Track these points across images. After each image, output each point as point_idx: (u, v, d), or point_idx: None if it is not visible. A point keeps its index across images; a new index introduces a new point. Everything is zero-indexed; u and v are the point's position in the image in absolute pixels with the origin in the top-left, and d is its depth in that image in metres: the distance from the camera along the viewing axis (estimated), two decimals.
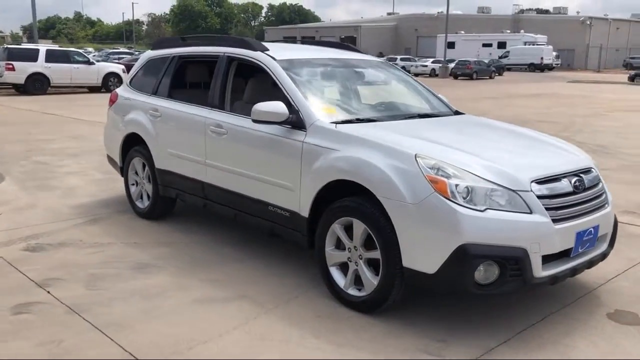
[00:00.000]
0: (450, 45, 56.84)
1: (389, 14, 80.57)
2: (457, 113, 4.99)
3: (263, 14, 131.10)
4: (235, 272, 4.44)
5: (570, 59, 58.02)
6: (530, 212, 3.33)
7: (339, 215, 3.80)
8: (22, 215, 5.87)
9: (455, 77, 41.29)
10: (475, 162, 3.49)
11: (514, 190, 3.35)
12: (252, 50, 4.78)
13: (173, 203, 5.74)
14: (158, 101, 5.48)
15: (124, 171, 6.02)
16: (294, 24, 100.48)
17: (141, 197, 5.85)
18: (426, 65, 45.38)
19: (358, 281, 3.80)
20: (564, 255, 3.52)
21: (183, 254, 4.79)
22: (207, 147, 4.82)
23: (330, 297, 3.96)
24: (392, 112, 4.67)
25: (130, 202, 5.97)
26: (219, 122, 4.71)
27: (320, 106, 4.26)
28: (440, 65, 43.56)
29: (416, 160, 3.44)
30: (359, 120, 4.21)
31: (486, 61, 44.55)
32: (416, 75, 44.81)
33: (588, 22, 58.23)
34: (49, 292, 4.02)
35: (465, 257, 3.22)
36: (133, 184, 5.93)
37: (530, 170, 3.54)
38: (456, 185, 3.31)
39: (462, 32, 58.66)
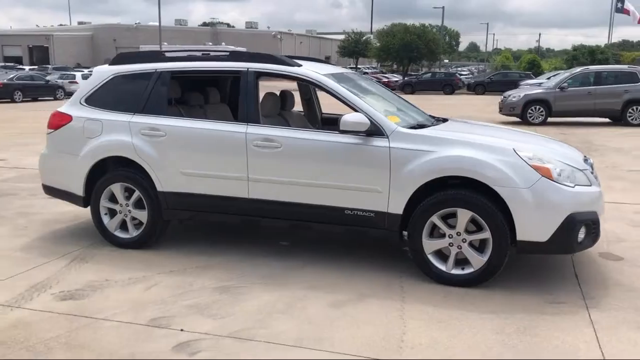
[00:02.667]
0: None
1: (80, 23, 75.94)
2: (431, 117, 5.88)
3: None
4: (320, 277, 4.63)
5: None
6: (590, 185, 4.48)
7: (439, 207, 4.40)
8: None
9: None
10: (549, 151, 4.51)
11: (581, 170, 4.47)
12: (288, 65, 4.97)
13: (167, 227, 5.42)
14: (155, 120, 5.12)
15: (90, 202, 5.38)
16: None
17: (122, 227, 5.34)
18: None
19: (457, 262, 4.47)
20: None
21: (245, 273, 4.72)
22: (251, 162, 4.81)
23: (428, 281, 4.51)
24: (421, 118, 5.35)
25: (104, 233, 5.38)
26: (267, 137, 4.78)
27: (385, 114, 4.75)
28: None
29: (517, 154, 4.30)
30: (419, 126, 4.84)
31: None
32: None
33: (279, 37, 64.32)
34: (182, 329, 3.72)
35: (572, 223, 4.22)
36: (106, 214, 5.36)
37: (576, 154, 4.70)
38: (555, 169, 4.27)
39: (165, 43, 58.80)
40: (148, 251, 5.22)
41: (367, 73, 54.00)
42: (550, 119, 17.53)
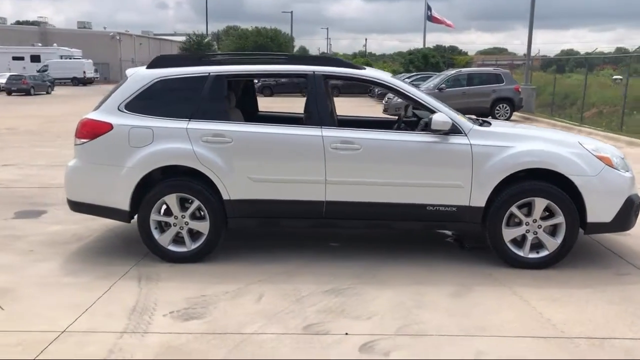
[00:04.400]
0: None
1: None
2: None
3: None
4: (409, 273, 4.79)
5: (106, 72, 59.57)
6: (629, 171, 5.17)
7: (518, 198, 4.80)
8: (44, 303, 4.28)
9: (9, 93, 37.70)
10: (601, 144, 5.12)
11: (623, 158, 5.14)
12: (355, 69, 5.07)
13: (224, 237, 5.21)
14: (217, 125, 4.90)
15: (138, 216, 4.99)
16: None
17: (177, 240, 5.02)
18: None
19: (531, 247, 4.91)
20: None
21: (333, 275, 4.71)
22: (329, 165, 4.82)
23: (505, 266, 4.89)
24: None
25: (155, 249, 5.01)
26: (346, 139, 4.83)
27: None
28: None
29: (582, 146, 4.85)
30: (482, 124, 5.18)
31: (34, 75, 41.94)
32: None
33: (118, 38, 61.01)
34: (346, 333, 3.70)
35: (631, 204, 4.87)
36: (156, 228, 5.01)
37: (609, 146, 5.39)
38: (613, 158, 4.89)
39: None
40: (206, 264, 4.95)
41: None
42: None
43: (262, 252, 5.30)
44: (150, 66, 5.18)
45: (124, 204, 4.96)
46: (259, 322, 3.86)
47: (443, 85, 19.08)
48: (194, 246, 5.00)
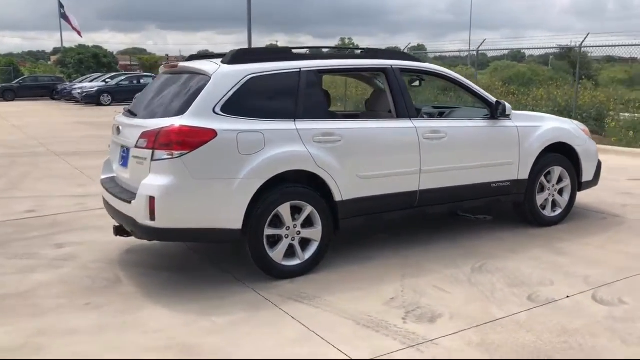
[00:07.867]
0: None
1: None
2: None
3: None
4: (499, 247, 5.38)
5: None
6: None
7: (545, 168, 5.84)
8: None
9: None
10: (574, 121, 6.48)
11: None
12: (421, 62, 5.35)
13: None
14: (324, 124, 4.63)
15: (250, 233, 4.38)
16: None
17: (295, 253, 4.60)
18: None
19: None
20: None
21: (443, 258, 4.99)
22: (423, 155, 5.05)
23: (532, 226, 5.89)
24: None
25: (268, 267, 4.48)
26: (434, 128, 5.13)
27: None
28: None
29: (573, 122, 6.16)
30: None
31: None
32: None
33: None
34: (567, 296, 4.17)
35: (600, 164, 6.36)
36: (267, 244, 4.49)
37: None
38: (587, 130, 6.32)
39: None
40: (318, 274, 4.63)
41: None
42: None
43: (345, 253, 5.16)
44: (232, 62, 4.50)
45: (237, 222, 4.29)
46: (489, 306, 3.99)
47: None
48: (308, 255, 4.63)
